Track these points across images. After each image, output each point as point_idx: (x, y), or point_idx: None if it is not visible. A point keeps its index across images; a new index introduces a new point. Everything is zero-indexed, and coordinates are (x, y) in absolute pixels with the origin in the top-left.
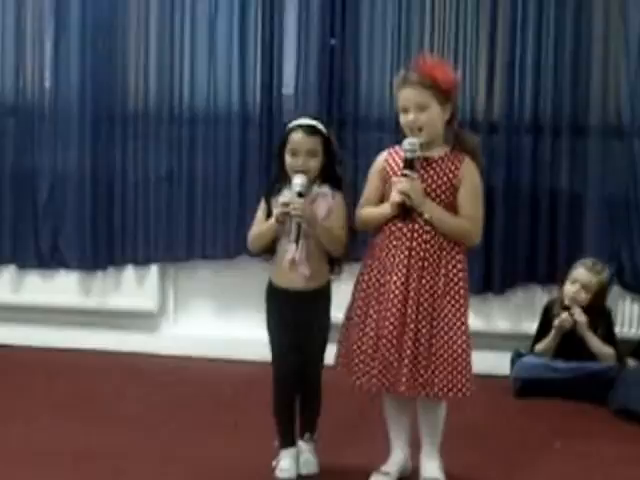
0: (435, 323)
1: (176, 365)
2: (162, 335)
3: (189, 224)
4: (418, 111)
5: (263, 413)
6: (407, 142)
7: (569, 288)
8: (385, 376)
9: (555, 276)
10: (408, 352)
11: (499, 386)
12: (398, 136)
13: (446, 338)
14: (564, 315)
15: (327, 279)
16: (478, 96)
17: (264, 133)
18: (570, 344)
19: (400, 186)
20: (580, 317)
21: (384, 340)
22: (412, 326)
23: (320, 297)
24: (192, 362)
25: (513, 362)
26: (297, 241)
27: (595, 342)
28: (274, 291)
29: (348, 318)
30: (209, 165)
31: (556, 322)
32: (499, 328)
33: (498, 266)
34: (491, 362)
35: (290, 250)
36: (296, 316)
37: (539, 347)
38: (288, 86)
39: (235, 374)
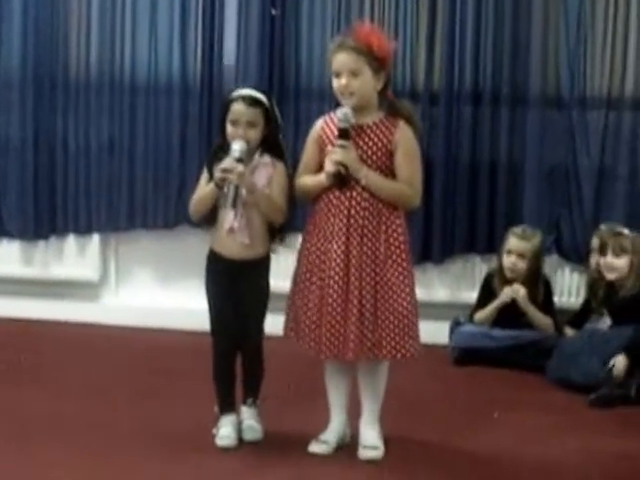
0: (379, 287)
1: (118, 334)
2: (104, 304)
3: (130, 193)
4: (351, 76)
5: (204, 381)
6: (340, 112)
7: (506, 261)
8: (333, 343)
9: (494, 246)
10: (353, 319)
11: (438, 354)
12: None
13: (391, 301)
14: (506, 290)
15: (267, 249)
16: (418, 67)
17: (204, 103)
18: (508, 313)
19: (334, 156)
20: (519, 293)
21: (329, 308)
22: (356, 292)
23: (259, 266)
24: (133, 331)
25: (452, 331)
26: (234, 206)
27: (535, 315)
28: (214, 259)
29: (294, 285)
30: (150, 135)
31: (497, 302)
32: (438, 297)
33: (437, 236)
34: (430, 331)
35: (229, 218)
36: (235, 284)
37: (478, 316)
38: (229, 56)
39: (177, 343)
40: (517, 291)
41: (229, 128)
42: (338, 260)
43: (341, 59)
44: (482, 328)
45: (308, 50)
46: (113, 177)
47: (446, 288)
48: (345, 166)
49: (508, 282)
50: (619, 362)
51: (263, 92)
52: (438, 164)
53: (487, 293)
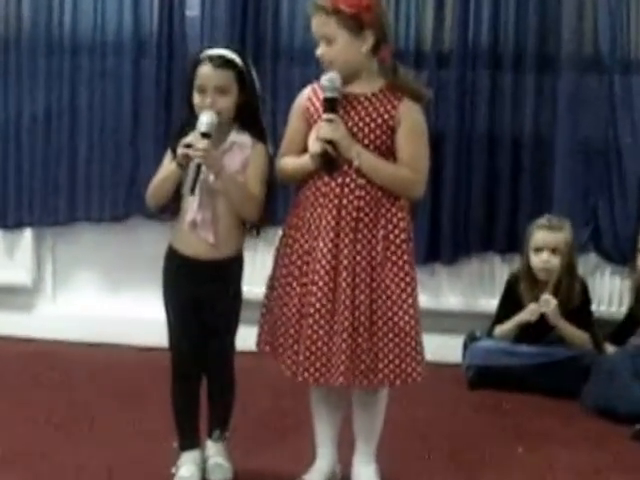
0: (375, 296)
1: (56, 351)
2: (38, 314)
3: (70, 178)
4: (325, 43)
5: (161, 408)
6: (325, 78)
7: (536, 260)
8: (314, 364)
9: (517, 242)
10: (345, 335)
11: (450, 375)
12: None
13: (390, 314)
14: (532, 306)
15: (239, 247)
16: (425, 20)
17: (163, 65)
18: (535, 325)
19: (320, 133)
20: (550, 307)
21: (310, 320)
22: (347, 302)
23: (229, 268)
24: (75, 347)
25: (466, 347)
26: (193, 190)
27: (568, 329)
28: (174, 258)
29: (270, 289)
30: (95, 105)
31: (520, 317)
32: (449, 306)
33: (447, 230)
34: (440, 346)
35: (191, 209)
36: (200, 290)
37: (499, 330)
38: (192, 7)
39: (127, 361)
40: (548, 302)
41: (196, 97)
42: (324, 261)
43: (314, 23)
44: (503, 343)
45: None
46: (49, 158)
47: (459, 295)
48: (334, 144)
49: (537, 286)
50: None
51: (237, 52)
52: (448, 141)
53: (510, 301)
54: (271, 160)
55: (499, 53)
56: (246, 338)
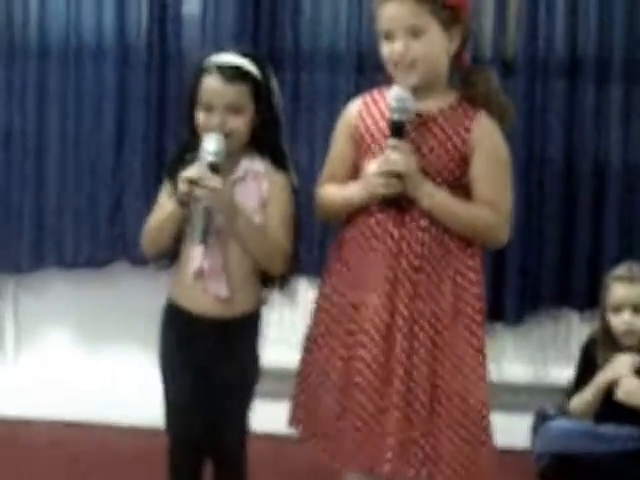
0: (439, 366)
1: (17, 430)
2: None
3: (37, 214)
4: (409, 37)
5: None
6: (395, 95)
7: (616, 321)
8: (360, 447)
9: (600, 296)
10: (396, 413)
11: (515, 465)
12: (361, 79)
13: (456, 387)
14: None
15: (256, 302)
16: (484, 21)
17: (153, 75)
18: None
19: (386, 164)
20: (625, 390)
21: (356, 392)
22: (401, 372)
23: (244, 329)
24: (42, 427)
25: (536, 428)
26: (204, 240)
27: None
28: (175, 317)
29: (308, 352)
30: (68, 123)
31: (599, 380)
32: (515, 377)
33: (513, 282)
34: (503, 428)
35: (197, 255)
36: (206, 355)
37: (576, 404)
38: (190, 3)
39: (108, 445)
40: (625, 387)
41: (200, 116)
42: (377, 319)
43: (392, 11)
44: (583, 424)
45: None
46: (10, 188)
47: (526, 363)
48: (399, 176)
49: (618, 352)
50: None
51: (252, 57)
52: (513, 169)
53: (589, 369)
54: (296, 193)
55: (577, 60)
56: (261, 418)
